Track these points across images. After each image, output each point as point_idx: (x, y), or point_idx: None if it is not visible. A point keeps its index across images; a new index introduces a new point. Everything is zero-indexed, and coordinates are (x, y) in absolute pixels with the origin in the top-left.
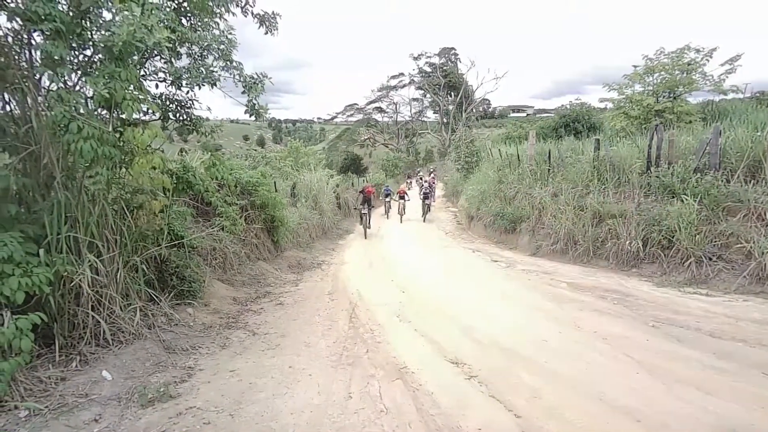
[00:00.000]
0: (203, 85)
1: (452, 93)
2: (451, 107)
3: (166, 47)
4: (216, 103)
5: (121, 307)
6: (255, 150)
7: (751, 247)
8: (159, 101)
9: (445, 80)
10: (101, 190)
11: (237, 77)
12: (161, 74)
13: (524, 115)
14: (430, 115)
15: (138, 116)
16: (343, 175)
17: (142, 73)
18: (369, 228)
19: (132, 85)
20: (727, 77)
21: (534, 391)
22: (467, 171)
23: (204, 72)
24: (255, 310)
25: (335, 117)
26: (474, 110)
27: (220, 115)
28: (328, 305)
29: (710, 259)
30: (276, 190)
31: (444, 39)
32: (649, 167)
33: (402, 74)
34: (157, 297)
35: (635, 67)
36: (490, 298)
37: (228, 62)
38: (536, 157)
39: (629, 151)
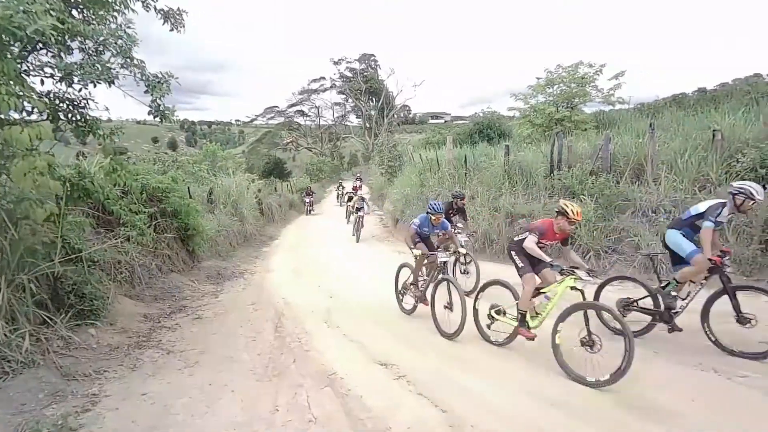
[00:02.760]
0: (99, 83)
1: (374, 98)
2: (373, 112)
3: (54, 38)
4: (119, 103)
5: (5, 333)
6: (165, 153)
7: (638, 240)
8: (46, 99)
9: (366, 86)
10: None
11: (138, 76)
12: (48, 69)
13: (442, 121)
14: (353, 120)
15: (20, 115)
16: (265, 180)
17: (24, 67)
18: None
19: (10, 80)
20: (614, 91)
21: (460, 387)
22: (391, 175)
23: (100, 68)
24: (169, 327)
25: (254, 119)
26: (395, 116)
27: (125, 115)
28: (251, 316)
29: (606, 252)
30: (190, 197)
31: (364, 46)
32: (552, 171)
33: (323, 78)
34: (51, 319)
35: (538, 79)
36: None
37: (128, 59)
38: (454, 161)
39: (535, 156)
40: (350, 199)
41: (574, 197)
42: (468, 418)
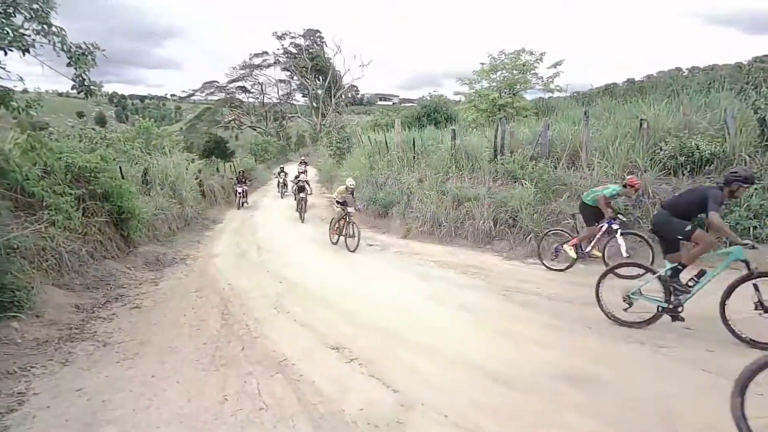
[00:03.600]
0: (10, 50)
1: (320, 77)
2: (320, 92)
3: None
4: (36, 71)
5: None
6: (93, 129)
7: (575, 223)
8: None
9: (312, 63)
10: None
11: (58, 45)
12: None
13: (390, 103)
14: (299, 99)
15: None
16: (206, 160)
17: None
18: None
19: None
20: (553, 79)
21: (410, 366)
22: (339, 157)
23: (11, 34)
24: (105, 317)
25: (192, 95)
26: (343, 96)
27: (44, 86)
28: (195, 304)
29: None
30: (123, 177)
31: (308, 21)
32: (496, 155)
33: (266, 53)
34: None
35: (482, 64)
36: (367, 281)
37: (45, 26)
38: (402, 144)
39: (480, 141)
40: (298, 184)
41: (515, 181)
42: (418, 398)
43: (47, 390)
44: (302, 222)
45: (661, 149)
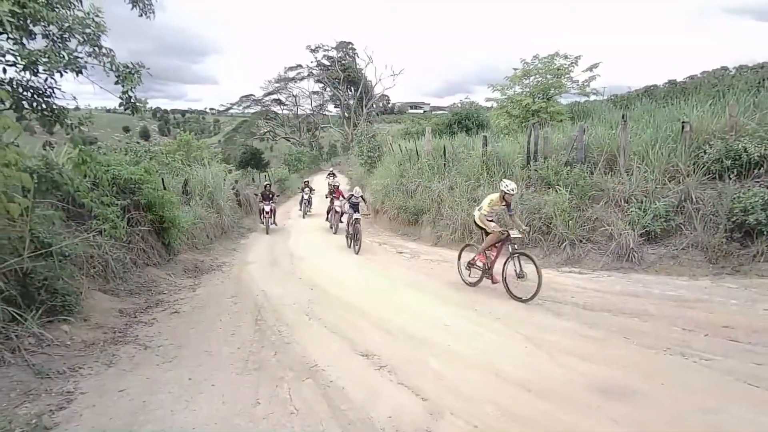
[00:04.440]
0: (66, 72)
1: (352, 87)
2: (351, 102)
3: (14, 24)
4: (87, 90)
5: None
6: (138, 143)
7: (611, 230)
8: (8, 88)
9: (344, 74)
10: None
11: (108, 66)
12: (10, 57)
13: (421, 111)
14: (332, 109)
15: None
16: (242, 170)
17: None
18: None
19: None
20: (589, 82)
21: (439, 374)
22: (370, 165)
23: (66, 57)
24: (146, 321)
25: (230, 108)
26: (374, 105)
27: (93, 103)
28: (230, 309)
29: (581, 241)
30: (164, 188)
31: (341, 33)
32: (529, 161)
33: (300, 66)
34: (21, 315)
35: (515, 69)
36: (398, 289)
37: (96, 48)
38: (433, 152)
39: (512, 147)
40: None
41: (550, 188)
42: (448, 406)
43: (93, 390)
44: (356, 254)
45: (704, 152)
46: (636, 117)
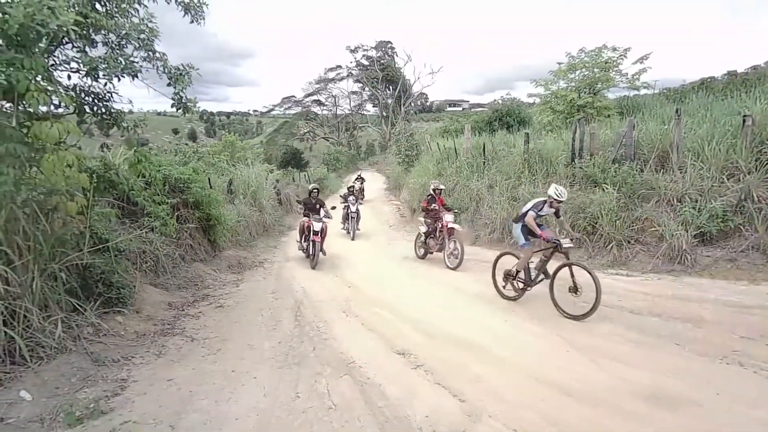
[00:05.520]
0: (123, 77)
1: (390, 87)
2: (390, 101)
3: (78, 34)
4: (140, 94)
5: (39, 320)
6: (186, 144)
7: (662, 231)
8: (72, 93)
9: (382, 74)
10: (8, 191)
11: (161, 69)
12: (74, 64)
13: (460, 109)
14: (370, 109)
15: (48, 109)
16: (283, 170)
17: (51, 62)
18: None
19: (39, 75)
20: (639, 75)
21: (477, 376)
22: (408, 164)
23: (123, 62)
24: (193, 315)
25: (272, 110)
26: (412, 104)
27: (145, 107)
28: (271, 304)
29: (629, 242)
30: (211, 187)
31: (380, 32)
32: (574, 159)
33: (339, 67)
34: (81, 306)
35: (559, 64)
36: (434, 288)
37: (150, 52)
38: (472, 150)
39: (555, 144)
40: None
41: (596, 186)
42: (486, 408)
43: (144, 378)
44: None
45: None
46: (691, 111)
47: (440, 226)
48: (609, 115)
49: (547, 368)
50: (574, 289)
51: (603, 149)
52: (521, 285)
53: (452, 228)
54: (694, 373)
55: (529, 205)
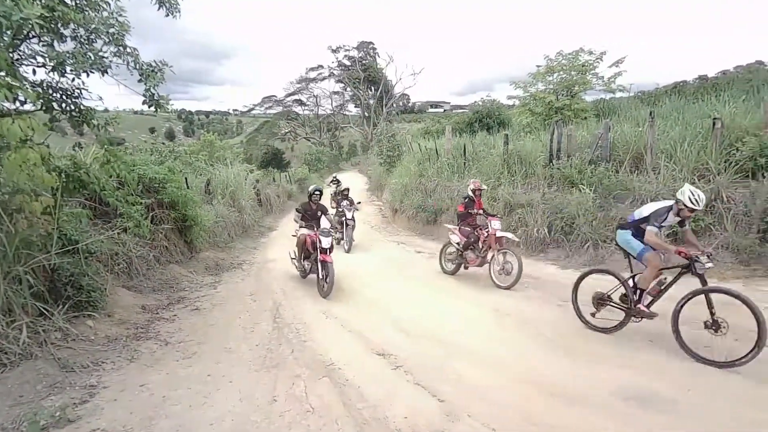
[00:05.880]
0: (92, 72)
1: (372, 87)
2: (371, 101)
3: (45, 27)
4: (114, 92)
5: (2, 326)
6: (163, 143)
7: None
8: (39, 89)
9: (364, 74)
10: None
11: (131, 64)
12: (40, 59)
13: (441, 110)
14: (352, 109)
15: (14, 106)
16: (263, 170)
17: (16, 56)
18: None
19: (2, 70)
20: (615, 78)
21: (457, 376)
22: (389, 165)
23: (92, 57)
24: (167, 318)
25: (252, 109)
26: (394, 105)
27: (121, 105)
28: (250, 307)
29: (605, 242)
30: (188, 187)
31: (362, 33)
32: (552, 160)
33: (321, 66)
34: (48, 310)
35: (538, 66)
36: (415, 288)
37: (120, 47)
38: (453, 151)
39: (534, 146)
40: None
41: (573, 187)
42: (464, 407)
43: (115, 384)
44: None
45: (737, 150)
46: (664, 114)
47: (485, 235)
48: (586, 117)
49: (529, 368)
50: (714, 326)
51: (580, 150)
52: (626, 309)
53: (502, 237)
54: (681, 375)
55: (646, 211)
